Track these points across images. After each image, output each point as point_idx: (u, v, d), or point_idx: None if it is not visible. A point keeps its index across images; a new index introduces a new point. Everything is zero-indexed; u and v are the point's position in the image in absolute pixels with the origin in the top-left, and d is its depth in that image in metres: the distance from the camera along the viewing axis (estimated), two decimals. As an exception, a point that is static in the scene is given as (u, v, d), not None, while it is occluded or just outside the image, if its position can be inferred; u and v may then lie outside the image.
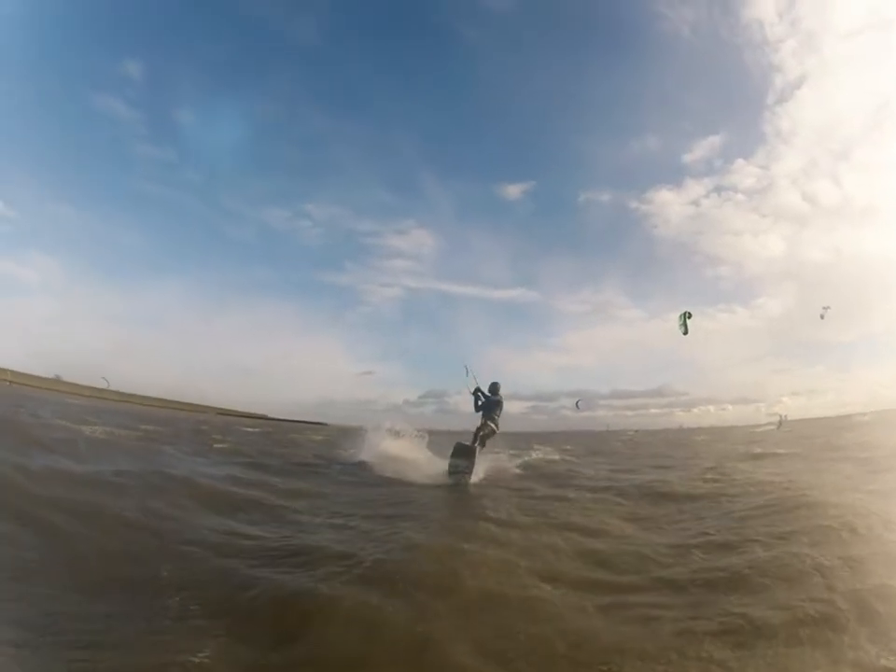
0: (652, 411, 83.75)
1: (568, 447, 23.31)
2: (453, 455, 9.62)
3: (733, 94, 75.99)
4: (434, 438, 11.70)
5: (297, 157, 77.16)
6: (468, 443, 9.83)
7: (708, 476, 10.03)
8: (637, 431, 66.16)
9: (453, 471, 9.36)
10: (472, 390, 10.30)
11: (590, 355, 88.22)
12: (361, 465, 10.84)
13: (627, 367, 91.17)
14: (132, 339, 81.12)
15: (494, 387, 10.36)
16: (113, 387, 61.53)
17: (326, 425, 69.33)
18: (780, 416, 40.85)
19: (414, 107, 77.22)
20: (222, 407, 77.29)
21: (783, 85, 67.01)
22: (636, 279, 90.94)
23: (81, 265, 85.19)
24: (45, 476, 5.69)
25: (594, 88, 71.15)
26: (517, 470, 11.67)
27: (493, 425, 10.11)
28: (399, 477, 9.45)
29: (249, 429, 27.63)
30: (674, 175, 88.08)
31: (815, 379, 77.28)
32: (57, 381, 64.95)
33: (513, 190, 74.27)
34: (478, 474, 9.65)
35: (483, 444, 10.12)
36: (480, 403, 10.26)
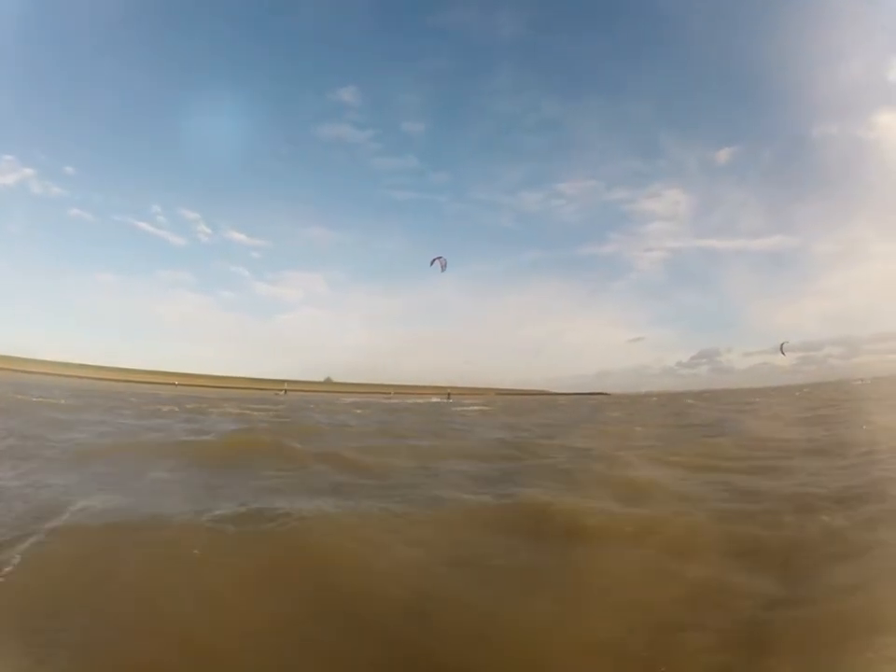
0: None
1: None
2: None
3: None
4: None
5: (538, 142, 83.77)
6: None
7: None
8: (863, 381, 55.80)
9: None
10: None
11: (850, 296, 78.38)
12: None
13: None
14: (409, 336, 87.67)
15: None
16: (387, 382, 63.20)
17: (608, 395, 69.41)
18: None
19: (643, 77, 78.42)
20: (503, 388, 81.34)
21: None
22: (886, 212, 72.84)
23: (343, 277, 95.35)
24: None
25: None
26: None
27: None
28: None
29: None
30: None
31: None
32: (328, 382, 74.69)
33: (730, 151, 70.98)
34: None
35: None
36: None
